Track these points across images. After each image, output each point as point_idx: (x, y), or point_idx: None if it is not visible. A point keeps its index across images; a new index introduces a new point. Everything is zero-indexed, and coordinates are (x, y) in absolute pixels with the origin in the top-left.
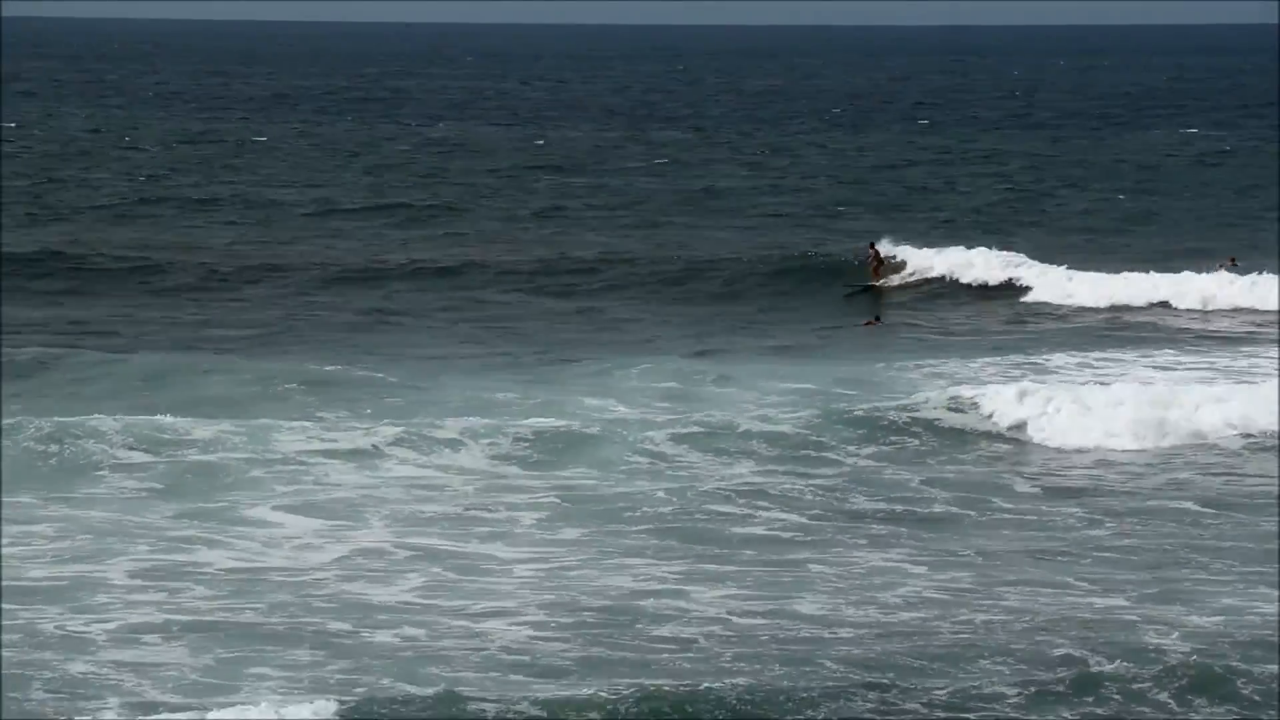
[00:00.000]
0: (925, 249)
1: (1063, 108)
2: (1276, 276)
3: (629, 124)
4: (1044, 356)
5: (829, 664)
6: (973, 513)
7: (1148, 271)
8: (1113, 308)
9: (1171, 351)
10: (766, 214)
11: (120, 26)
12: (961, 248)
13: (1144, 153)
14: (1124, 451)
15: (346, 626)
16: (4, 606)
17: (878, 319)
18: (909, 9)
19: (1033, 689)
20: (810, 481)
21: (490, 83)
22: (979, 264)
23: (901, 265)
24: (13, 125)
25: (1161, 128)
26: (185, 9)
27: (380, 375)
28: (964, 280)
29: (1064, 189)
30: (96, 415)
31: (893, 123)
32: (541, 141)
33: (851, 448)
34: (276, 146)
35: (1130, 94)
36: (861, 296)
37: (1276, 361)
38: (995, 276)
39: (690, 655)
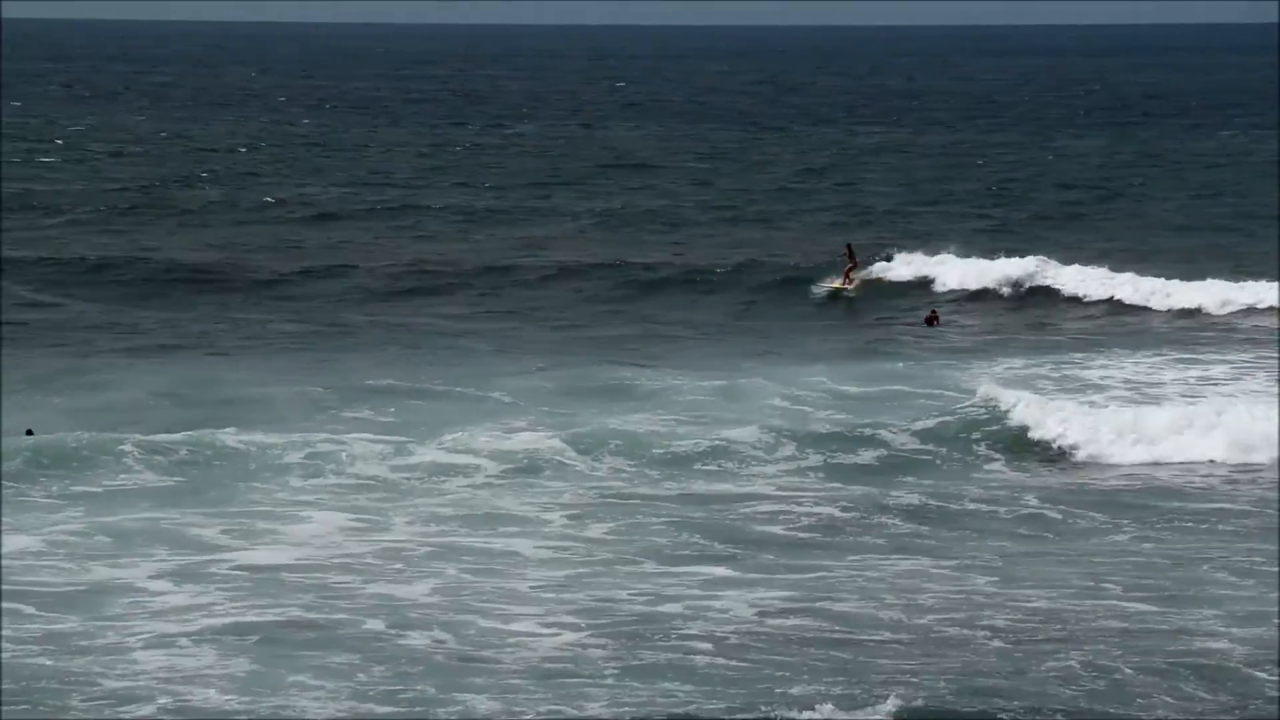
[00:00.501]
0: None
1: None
2: (1277, 280)
3: None
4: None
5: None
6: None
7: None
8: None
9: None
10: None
11: (120, 28)
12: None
13: None
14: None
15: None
16: (33, 613)
17: (935, 316)
18: (906, 9)
19: None
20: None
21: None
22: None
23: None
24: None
25: None
26: (186, 9)
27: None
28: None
29: None
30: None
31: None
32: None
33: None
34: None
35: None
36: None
37: (1277, 367)
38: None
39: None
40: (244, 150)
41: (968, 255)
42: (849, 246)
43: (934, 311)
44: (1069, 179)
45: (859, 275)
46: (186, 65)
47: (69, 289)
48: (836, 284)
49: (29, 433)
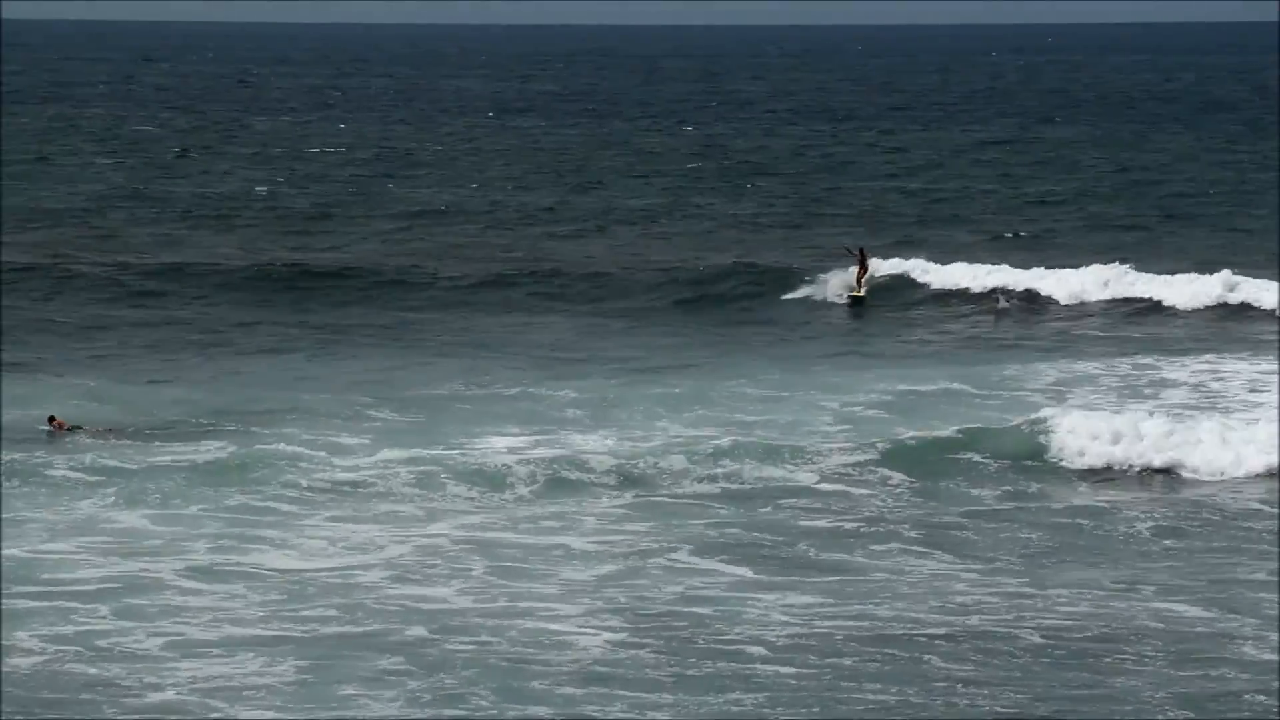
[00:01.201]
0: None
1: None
2: (1277, 281)
3: None
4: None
5: None
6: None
7: None
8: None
9: None
10: None
11: (122, 28)
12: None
13: None
14: None
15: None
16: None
17: (1001, 304)
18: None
19: None
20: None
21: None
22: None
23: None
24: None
25: None
26: (187, 9)
27: None
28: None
29: None
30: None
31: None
32: None
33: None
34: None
35: None
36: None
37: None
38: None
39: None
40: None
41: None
42: (861, 250)
43: (999, 300)
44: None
45: (866, 279)
46: (366, 68)
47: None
48: (855, 291)
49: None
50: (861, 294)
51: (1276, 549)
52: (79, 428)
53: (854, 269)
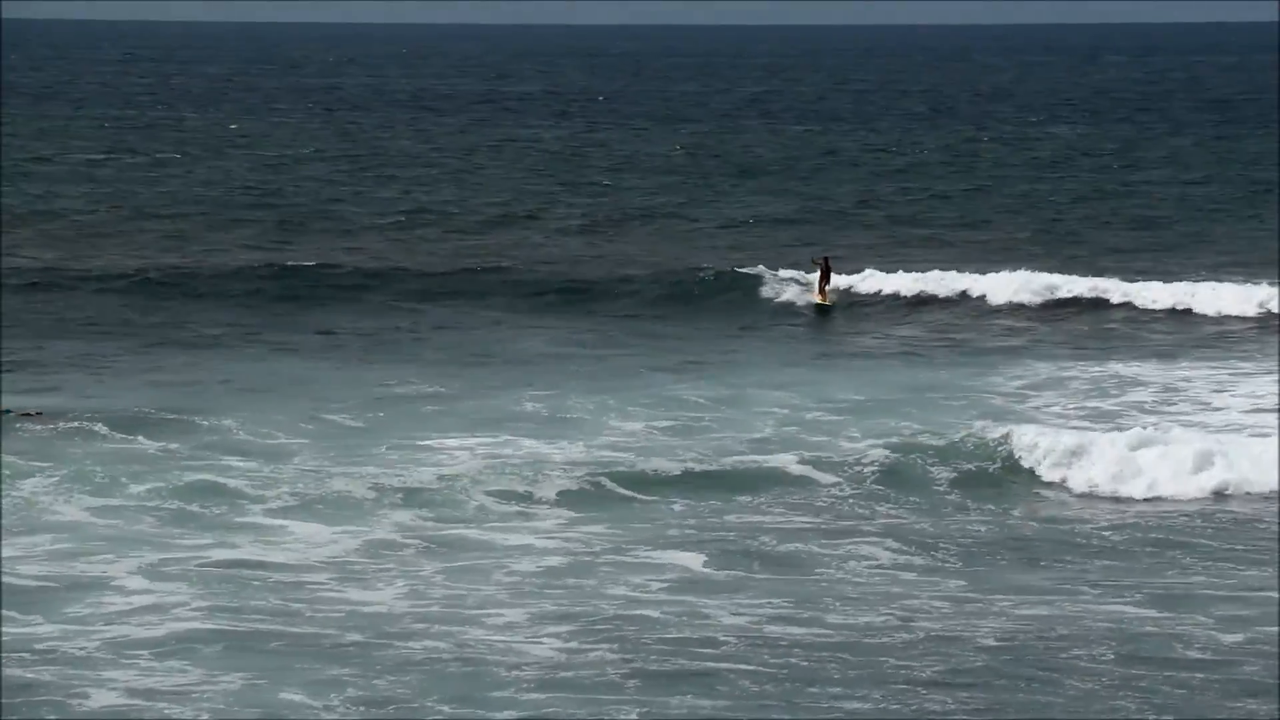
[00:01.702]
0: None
1: None
2: (1277, 284)
3: None
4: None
5: None
6: None
7: None
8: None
9: None
10: None
11: (120, 29)
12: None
13: None
14: None
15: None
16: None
17: None
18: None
19: None
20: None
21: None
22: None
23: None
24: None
25: None
26: (187, 10)
27: None
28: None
29: None
30: None
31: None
32: None
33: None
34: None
35: None
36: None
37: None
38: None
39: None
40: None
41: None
42: (825, 259)
43: None
44: None
45: (830, 288)
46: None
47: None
48: (817, 299)
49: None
50: (826, 303)
51: (1276, 553)
52: (8, 411)
53: (815, 277)
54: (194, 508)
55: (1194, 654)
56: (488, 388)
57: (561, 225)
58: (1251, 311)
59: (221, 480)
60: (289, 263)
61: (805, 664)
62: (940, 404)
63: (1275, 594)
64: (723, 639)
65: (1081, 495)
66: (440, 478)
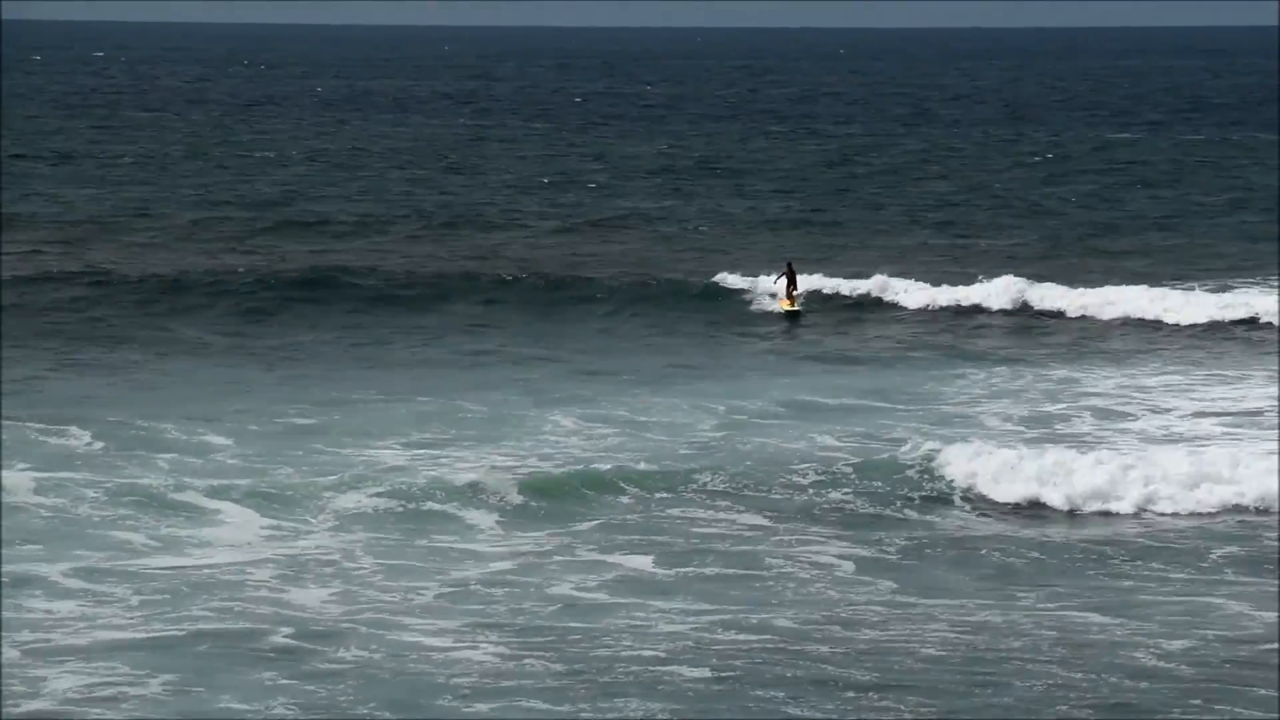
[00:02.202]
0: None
1: None
2: (1276, 290)
3: None
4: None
5: None
6: None
7: None
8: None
9: None
10: None
11: (123, 28)
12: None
13: None
14: None
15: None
16: None
17: None
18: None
19: None
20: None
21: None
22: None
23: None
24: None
25: None
26: (189, 10)
27: None
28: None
29: None
30: None
31: None
32: None
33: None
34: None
35: None
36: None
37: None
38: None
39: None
40: None
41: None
42: (789, 265)
43: None
44: None
45: (799, 294)
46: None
47: None
48: (783, 305)
49: None
50: (795, 308)
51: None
52: None
53: (782, 282)
54: (123, 510)
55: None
56: (429, 391)
57: (537, 227)
58: (1203, 318)
59: (155, 480)
60: (240, 269)
61: (751, 669)
62: (890, 412)
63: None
64: (668, 644)
65: (1016, 508)
66: (381, 481)
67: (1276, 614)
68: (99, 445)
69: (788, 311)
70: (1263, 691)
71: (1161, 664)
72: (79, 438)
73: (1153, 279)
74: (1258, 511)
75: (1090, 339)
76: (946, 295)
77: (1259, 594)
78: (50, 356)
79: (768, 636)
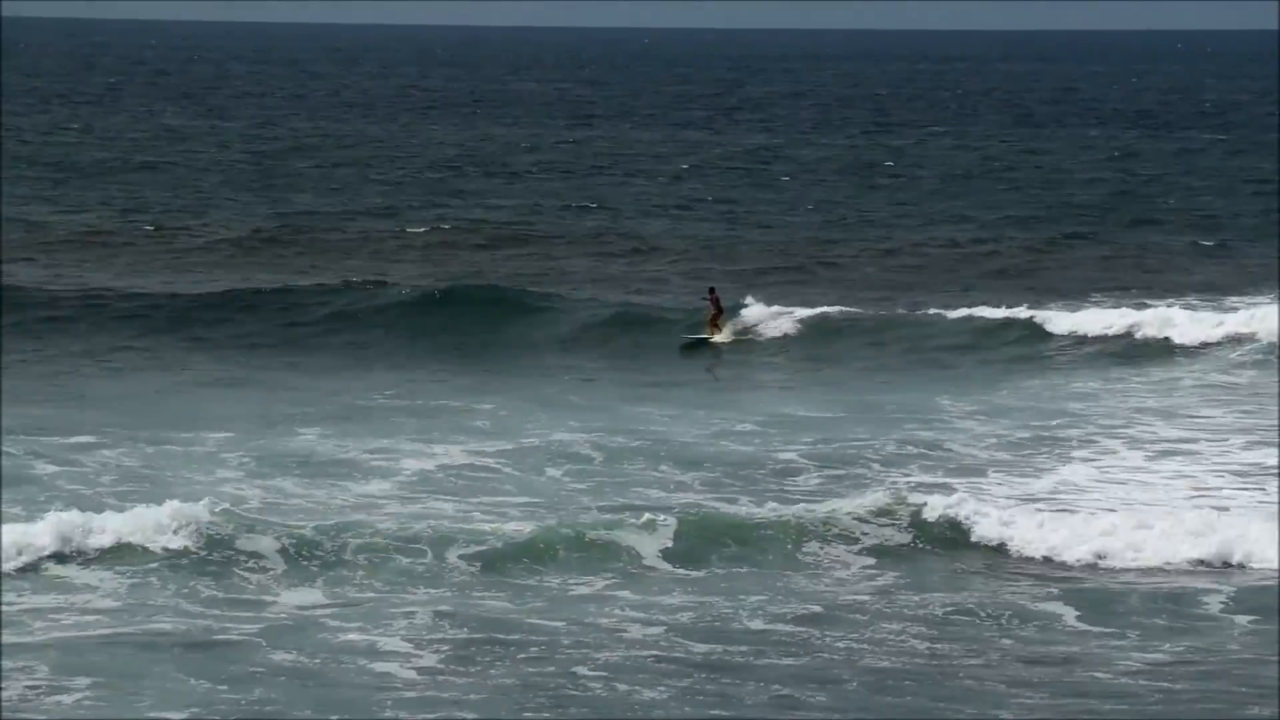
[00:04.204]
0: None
1: None
2: (1276, 301)
3: None
4: None
5: None
6: None
7: None
8: None
9: None
10: None
11: (122, 28)
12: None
13: None
14: None
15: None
16: None
17: None
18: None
19: None
20: None
21: None
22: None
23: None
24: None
25: None
26: (189, 10)
27: None
28: None
29: None
30: None
31: None
32: None
33: None
34: None
35: None
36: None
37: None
38: None
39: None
40: None
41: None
42: (712, 290)
43: None
44: None
45: (726, 323)
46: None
47: None
48: (703, 335)
49: None
50: (715, 338)
51: None
52: None
53: (709, 310)
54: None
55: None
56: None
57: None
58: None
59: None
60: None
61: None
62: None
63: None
64: (597, 655)
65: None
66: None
67: None
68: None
69: (712, 342)
70: None
71: None
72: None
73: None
74: None
75: None
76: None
77: None
78: None
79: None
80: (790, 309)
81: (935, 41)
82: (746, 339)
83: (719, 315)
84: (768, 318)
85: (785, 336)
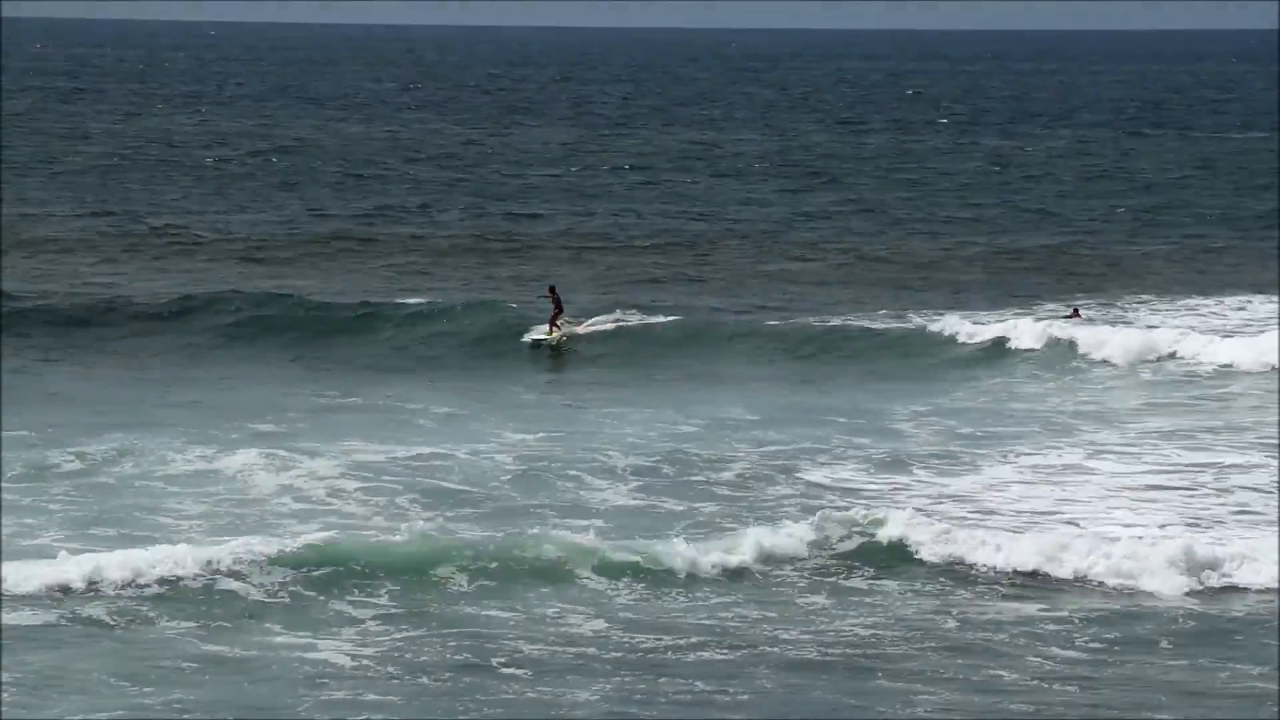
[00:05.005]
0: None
1: None
2: (1276, 310)
3: None
4: None
5: None
6: None
7: None
8: None
9: None
10: None
11: (125, 28)
12: None
13: None
14: None
15: None
16: None
17: (1076, 312)
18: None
19: None
20: None
21: None
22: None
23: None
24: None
25: None
26: (189, 9)
27: None
28: None
29: None
30: None
31: None
32: None
33: None
34: None
35: None
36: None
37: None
38: None
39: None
40: None
41: None
42: (552, 289)
43: (1076, 309)
44: None
45: (564, 323)
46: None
47: None
48: (542, 334)
49: None
50: (552, 339)
51: None
52: None
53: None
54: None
55: None
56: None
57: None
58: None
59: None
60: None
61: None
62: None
63: None
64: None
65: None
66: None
67: None
68: None
69: (546, 343)
70: None
71: None
72: None
73: None
74: None
75: None
76: None
77: None
78: None
79: (640, 651)
80: (631, 311)
81: (932, 42)
82: (583, 338)
83: (559, 314)
84: (606, 320)
85: (619, 336)
